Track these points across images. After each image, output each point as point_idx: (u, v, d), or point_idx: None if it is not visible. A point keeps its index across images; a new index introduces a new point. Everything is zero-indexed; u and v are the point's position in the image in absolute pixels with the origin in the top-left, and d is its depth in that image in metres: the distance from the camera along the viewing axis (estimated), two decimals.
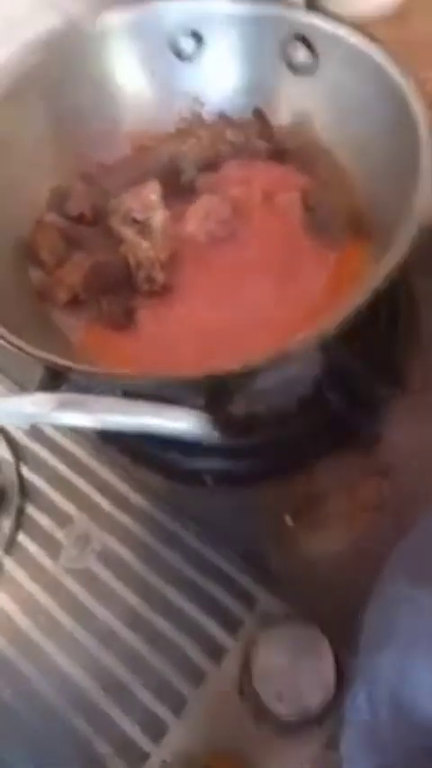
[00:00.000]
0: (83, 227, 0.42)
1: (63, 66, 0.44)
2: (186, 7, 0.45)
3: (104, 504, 0.45)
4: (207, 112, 0.47)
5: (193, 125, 0.46)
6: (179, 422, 0.27)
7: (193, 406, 0.29)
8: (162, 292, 0.40)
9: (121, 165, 0.45)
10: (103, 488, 0.46)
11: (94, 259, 0.40)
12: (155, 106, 0.47)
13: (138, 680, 0.39)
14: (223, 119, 0.46)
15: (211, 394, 0.30)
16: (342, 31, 0.42)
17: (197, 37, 0.46)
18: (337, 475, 0.44)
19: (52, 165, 0.44)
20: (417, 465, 0.44)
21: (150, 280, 0.39)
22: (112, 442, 0.47)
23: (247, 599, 0.41)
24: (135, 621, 0.41)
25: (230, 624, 0.40)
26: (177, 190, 0.43)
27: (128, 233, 0.40)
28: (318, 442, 0.45)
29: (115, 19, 0.44)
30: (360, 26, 0.42)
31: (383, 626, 0.32)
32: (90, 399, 0.26)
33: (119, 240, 0.41)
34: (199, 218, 0.40)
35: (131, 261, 0.39)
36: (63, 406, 0.25)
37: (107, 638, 0.41)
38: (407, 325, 0.49)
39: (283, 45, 0.45)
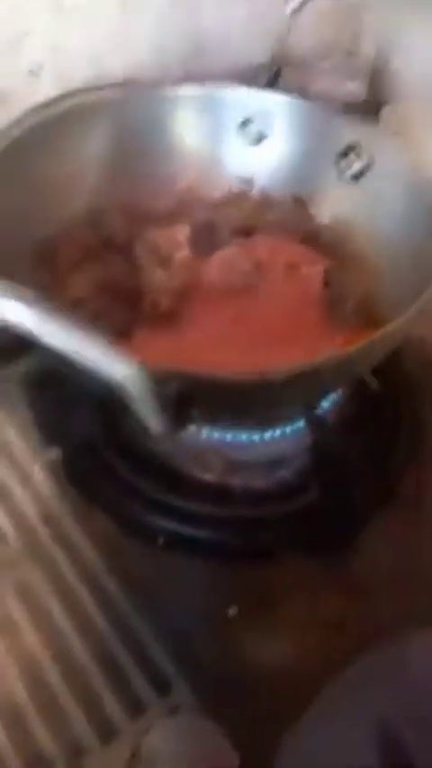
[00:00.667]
0: (107, 250, 0.43)
1: (138, 111, 0.47)
2: (260, 98, 0.48)
3: (43, 531, 0.41)
4: (255, 190, 0.50)
5: (238, 198, 0.48)
6: (115, 370, 0.24)
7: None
8: (164, 320, 0.39)
9: (162, 211, 0.46)
10: (49, 516, 0.42)
11: (106, 273, 0.40)
12: (209, 174, 0.49)
13: (11, 740, 0.33)
14: (267, 199, 0.48)
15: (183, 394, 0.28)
16: (390, 143, 0.45)
17: (264, 126, 0.49)
18: (300, 577, 0.40)
19: (100, 190, 0.46)
20: (391, 590, 0.40)
21: (155, 304, 0.39)
22: (77, 473, 0.45)
23: (160, 684, 0.36)
24: (29, 670, 0.36)
25: (133, 705, 0.35)
26: (207, 243, 0.44)
27: (148, 261, 0.40)
28: (288, 534, 0.42)
29: (196, 91, 0.48)
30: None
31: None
32: (30, 297, 0.24)
33: (137, 266, 0.41)
34: (221, 265, 0.41)
35: (143, 283, 0.39)
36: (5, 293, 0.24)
37: None
38: (409, 438, 0.47)
39: (339, 152, 0.47)
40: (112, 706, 0.35)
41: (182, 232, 0.42)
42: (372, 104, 0.49)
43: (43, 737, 0.34)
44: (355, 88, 0.54)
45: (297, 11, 0.47)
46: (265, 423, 0.41)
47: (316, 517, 0.41)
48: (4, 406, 0.48)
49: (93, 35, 0.55)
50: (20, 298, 0.25)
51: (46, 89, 0.52)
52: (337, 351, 0.31)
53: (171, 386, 0.28)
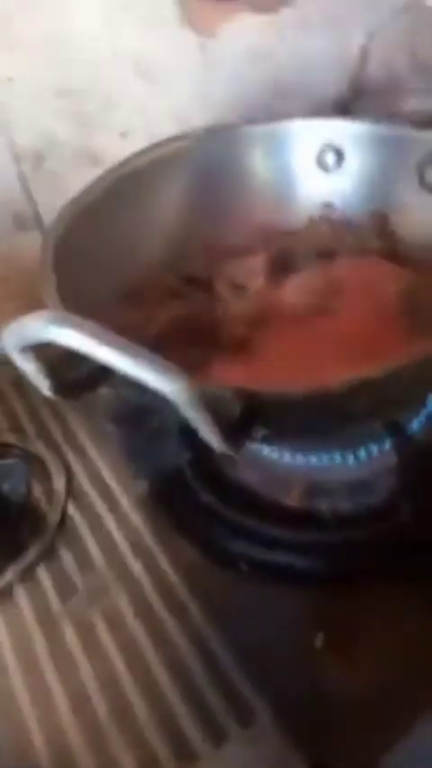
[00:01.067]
0: (189, 287, 0.44)
1: (213, 153, 0.49)
2: (332, 126, 0.49)
3: (132, 560, 0.43)
4: (335, 214, 0.49)
5: (317, 224, 0.48)
6: (162, 384, 0.25)
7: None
8: (241, 349, 0.40)
9: (242, 246, 0.47)
10: (137, 547, 0.43)
11: (187, 309, 0.41)
12: (287, 204, 0.50)
13: (88, 755, 0.34)
14: (346, 221, 0.48)
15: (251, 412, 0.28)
16: None
17: (339, 153, 0.49)
18: (389, 605, 0.38)
19: (181, 232, 0.48)
20: None
21: (231, 334, 0.40)
22: (164, 503, 0.46)
23: (243, 713, 0.35)
24: (111, 692, 0.37)
25: (215, 734, 0.34)
26: (284, 270, 0.44)
27: (225, 292, 0.41)
28: (375, 559, 0.40)
29: (266, 128, 0.50)
30: None
31: None
32: (87, 324, 0.26)
33: (217, 300, 0.42)
34: (296, 288, 0.41)
35: (221, 315, 0.40)
36: (57, 321, 0.25)
37: (79, 700, 0.37)
38: None
39: (420, 165, 0.46)
40: (193, 734, 0.34)
41: (258, 261, 0.43)
42: None
43: (125, 762, 0.34)
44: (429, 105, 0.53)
45: (369, 41, 0.47)
46: (342, 440, 0.40)
47: (405, 542, 0.39)
48: (96, 440, 0.50)
49: (177, 95, 0.59)
50: (77, 325, 0.27)
51: (135, 148, 0.56)
52: (401, 360, 0.29)
53: (233, 403, 0.28)
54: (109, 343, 0.26)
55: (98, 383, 0.35)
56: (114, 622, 0.40)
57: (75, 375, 0.31)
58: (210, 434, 0.28)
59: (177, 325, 0.41)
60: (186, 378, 0.25)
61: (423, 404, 0.43)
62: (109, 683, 0.37)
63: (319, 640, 0.37)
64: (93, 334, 0.26)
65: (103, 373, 0.35)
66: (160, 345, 0.41)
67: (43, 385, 0.31)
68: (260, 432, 0.28)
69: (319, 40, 0.63)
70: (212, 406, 0.26)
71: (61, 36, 0.53)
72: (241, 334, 0.40)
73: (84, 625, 0.40)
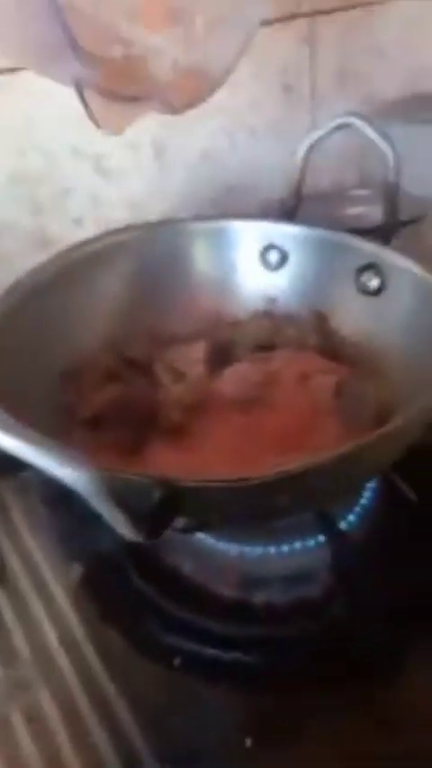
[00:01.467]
0: (129, 370, 0.45)
1: (159, 245, 0.51)
2: (276, 228, 0.52)
3: (59, 656, 0.41)
4: (276, 309, 0.52)
5: (259, 317, 0.50)
6: (65, 473, 0.25)
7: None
8: (176, 435, 0.40)
9: (184, 335, 0.49)
10: (65, 638, 0.42)
11: (125, 392, 0.42)
12: (231, 298, 0.52)
13: None
14: (288, 317, 0.50)
15: (167, 499, 0.28)
16: (409, 264, 0.46)
17: (282, 253, 0.52)
18: (325, 706, 0.37)
19: (125, 317, 0.49)
20: (425, 727, 0.36)
21: (167, 418, 0.40)
22: (96, 589, 0.44)
23: None
24: None
25: None
26: (224, 359, 0.45)
27: (164, 377, 0.42)
28: (311, 656, 0.39)
29: (213, 225, 0.52)
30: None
31: None
32: None
33: (155, 385, 0.43)
34: (234, 377, 0.42)
35: (159, 400, 0.41)
36: None
37: None
38: None
39: (357, 271, 0.49)
40: None
41: (198, 349, 0.44)
42: (388, 225, 0.51)
43: None
44: (372, 213, 0.57)
45: (309, 151, 0.51)
46: (276, 532, 0.40)
47: (338, 638, 0.39)
48: (29, 521, 0.49)
49: (130, 188, 0.62)
50: None
51: (88, 235, 0.58)
52: (323, 454, 0.30)
53: (151, 491, 0.28)
54: (14, 433, 0.26)
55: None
56: (34, 720, 0.38)
57: None
58: (119, 524, 0.27)
59: (113, 407, 0.41)
60: (91, 468, 0.25)
61: (355, 497, 0.45)
62: None
63: (249, 741, 0.36)
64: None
65: None
66: (95, 427, 0.42)
67: None
68: (181, 521, 0.28)
69: (265, 148, 0.68)
70: (127, 494, 0.26)
71: (20, 125, 0.56)
72: (178, 419, 0.40)
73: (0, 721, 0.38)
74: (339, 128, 0.48)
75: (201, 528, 0.30)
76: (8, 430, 0.25)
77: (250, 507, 0.30)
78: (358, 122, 0.46)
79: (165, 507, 0.28)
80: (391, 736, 0.35)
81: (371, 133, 0.45)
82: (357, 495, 0.44)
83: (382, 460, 0.34)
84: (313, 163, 0.58)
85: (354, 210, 0.66)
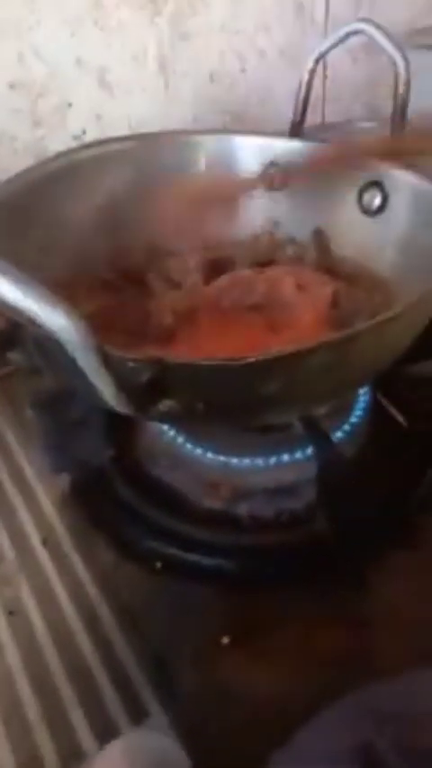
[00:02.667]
0: (123, 280, 0.44)
1: (163, 157, 0.49)
2: (280, 145, 0.50)
3: (41, 552, 0.41)
4: (279, 232, 0.50)
5: (260, 237, 0.49)
6: (52, 319, 0.24)
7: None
8: (170, 341, 0.39)
9: (184, 249, 0.48)
10: (50, 538, 0.42)
11: (116, 300, 0.41)
12: (233, 217, 0.51)
13: None
14: (289, 237, 0.49)
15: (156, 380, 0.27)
16: (414, 180, 0.45)
17: (285, 171, 0.51)
18: (300, 609, 0.37)
19: (124, 229, 0.47)
20: (398, 627, 0.36)
21: (160, 323, 0.39)
22: (83, 498, 0.44)
23: (137, 710, 0.33)
24: (3, 687, 0.34)
25: (106, 731, 0.32)
26: (221, 271, 0.44)
27: (158, 285, 0.41)
28: (289, 564, 0.39)
29: (215, 139, 0.51)
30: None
31: None
32: None
33: (149, 293, 0.42)
34: (229, 283, 0.41)
35: (152, 307, 0.40)
36: None
37: None
38: None
39: (360, 189, 0.48)
40: (83, 731, 0.32)
41: (195, 260, 0.43)
42: None
43: (7, 760, 0.32)
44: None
45: (318, 63, 0.50)
46: (265, 443, 0.40)
47: (320, 550, 0.39)
48: (17, 427, 0.49)
49: (134, 106, 0.61)
50: None
51: None
52: (320, 340, 0.29)
53: (141, 370, 0.28)
54: (18, 282, 0.25)
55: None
56: (15, 614, 0.38)
57: None
58: (105, 386, 0.26)
59: (104, 315, 0.40)
60: (79, 318, 0.25)
61: (344, 404, 0.44)
62: (3, 679, 0.35)
63: (226, 639, 0.36)
64: None
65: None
66: None
67: None
68: (167, 402, 0.28)
69: (277, 73, 0.66)
70: (119, 368, 0.26)
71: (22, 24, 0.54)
72: (169, 324, 0.39)
73: None
74: (350, 35, 0.46)
75: (190, 413, 0.29)
76: (14, 279, 0.24)
77: (237, 392, 0.30)
78: (369, 29, 0.44)
79: (153, 386, 0.27)
80: (362, 637, 0.36)
81: (382, 40, 0.44)
82: (347, 402, 0.44)
83: (372, 357, 0.33)
84: (321, 93, 0.57)
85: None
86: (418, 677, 0.29)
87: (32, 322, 0.24)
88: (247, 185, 0.45)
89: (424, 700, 0.28)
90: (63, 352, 0.26)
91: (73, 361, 0.26)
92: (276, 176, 0.50)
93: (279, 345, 0.33)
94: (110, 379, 0.26)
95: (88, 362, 0.25)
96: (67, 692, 0.34)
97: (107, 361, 0.25)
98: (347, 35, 0.46)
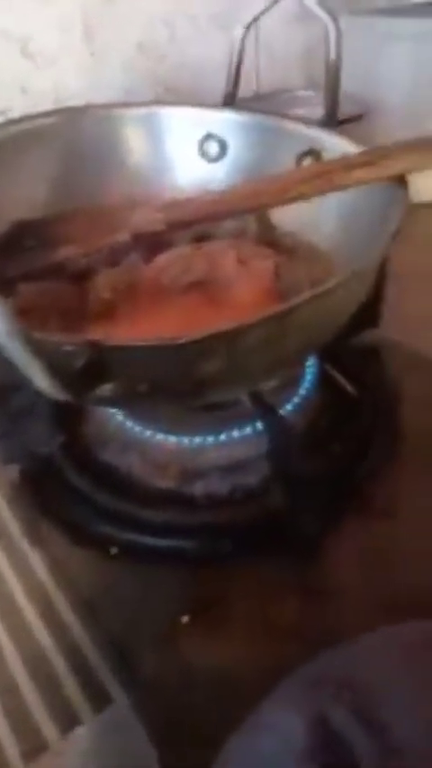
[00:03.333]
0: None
1: (92, 130, 0.48)
2: (215, 115, 0.50)
3: None
4: None
5: None
6: None
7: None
8: (110, 319, 0.38)
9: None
10: (1, 528, 0.41)
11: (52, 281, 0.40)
12: (168, 189, 0.49)
13: None
14: None
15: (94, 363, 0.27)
16: (351, 148, 0.45)
17: (222, 143, 0.50)
18: (257, 582, 0.37)
19: (53, 206, 0.46)
20: (355, 593, 0.37)
21: (97, 299, 0.38)
22: (33, 486, 0.43)
23: (98, 698, 0.33)
24: None
25: (67, 719, 0.32)
26: (158, 248, 0.43)
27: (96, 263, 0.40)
28: (244, 538, 0.39)
29: (147, 111, 0.49)
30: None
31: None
32: None
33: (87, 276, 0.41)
34: (168, 260, 0.40)
35: (90, 285, 0.39)
36: None
37: None
38: (384, 445, 0.44)
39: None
40: (44, 722, 0.32)
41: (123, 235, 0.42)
42: (329, 113, 0.49)
43: None
44: (314, 114, 0.55)
45: (249, 30, 0.49)
46: (215, 421, 0.40)
47: (275, 523, 0.39)
48: None
49: (60, 78, 0.58)
50: None
51: None
52: (259, 315, 0.29)
53: (77, 354, 0.27)
54: None
55: None
56: None
57: None
58: (37, 373, 0.26)
59: (40, 297, 0.39)
60: (5, 304, 0.24)
61: (290, 376, 0.44)
62: None
63: (185, 618, 0.36)
64: None
65: None
66: (23, 316, 0.40)
67: None
68: (107, 387, 0.27)
69: (208, 41, 0.65)
70: (54, 354, 0.25)
71: None
72: (108, 300, 0.38)
73: None
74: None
75: (131, 396, 0.28)
76: None
77: (178, 372, 0.29)
78: None
79: (92, 368, 0.27)
80: (318, 606, 0.36)
81: (312, 4, 0.43)
82: (294, 375, 0.44)
83: (313, 329, 0.33)
84: (257, 62, 0.55)
85: (297, 111, 0.64)
86: (372, 641, 0.30)
87: None
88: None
89: (378, 663, 0.29)
90: None
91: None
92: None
93: (221, 321, 0.33)
94: (41, 366, 0.25)
95: (15, 349, 0.24)
96: (25, 683, 0.34)
97: (38, 347, 0.24)
98: None
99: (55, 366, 0.25)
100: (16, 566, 0.39)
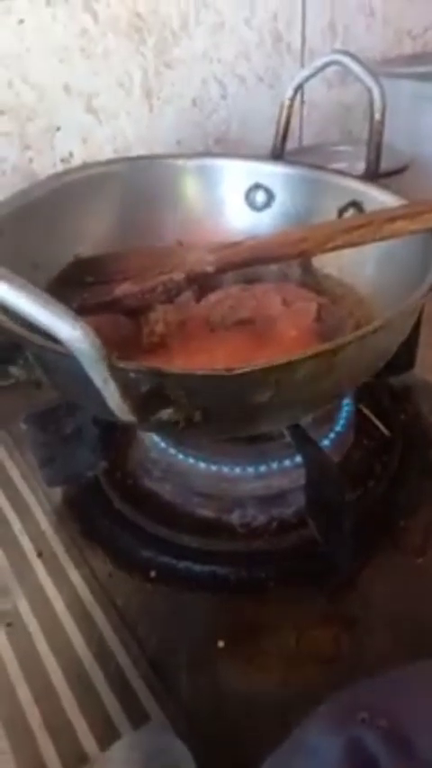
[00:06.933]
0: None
1: (147, 180, 0.51)
2: (262, 167, 0.53)
3: (37, 564, 0.42)
4: None
5: None
6: (62, 329, 0.25)
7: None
8: (160, 354, 0.41)
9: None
10: (44, 550, 0.43)
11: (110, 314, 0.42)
12: (218, 236, 0.52)
13: None
14: None
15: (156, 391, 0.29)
16: (392, 201, 0.47)
17: (268, 192, 0.53)
18: (292, 611, 0.39)
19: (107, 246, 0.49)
20: (386, 625, 0.38)
21: (150, 333, 0.41)
22: (77, 510, 0.45)
23: (138, 715, 0.34)
24: (5, 697, 0.35)
25: (108, 735, 0.33)
26: (209, 289, 0.46)
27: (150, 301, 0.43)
28: (280, 567, 0.41)
29: (198, 162, 0.53)
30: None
31: None
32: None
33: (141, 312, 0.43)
34: (217, 299, 0.43)
35: (144, 319, 0.42)
36: None
37: None
38: (417, 483, 0.46)
39: (340, 210, 0.50)
40: (85, 736, 0.33)
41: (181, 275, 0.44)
42: (371, 168, 0.52)
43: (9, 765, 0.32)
44: (354, 169, 0.58)
45: (297, 91, 0.52)
46: (255, 452, 0.42)
47: (310, 554, 0.40)
48: (9, 447, 0.50)
49: (120, 131, 0.63)
50: None
51: None
52: (309, 351, 0.31)
53: (141, 381, 0.29)
54: (17, 286, 0.26)
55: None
56: (13, 625, 0.39)
57: None
58: (112, 396, 0.28)
59: (100, 326, 0.42)
60: (88, 328, 0.26)
61: (331, 412, 0.46)
62: (4, 689, 0.36)
63: (221, 643, 0.37)
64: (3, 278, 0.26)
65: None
66: None
67: None
68: (167, 411, 0.29)
69: (257, 97, 0.69)
70: (120, 381, 0.27)
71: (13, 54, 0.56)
72: (161, 334, 0.40)
73: None
74: (327, 65, 0.48)
75: (186, 423, 0.30)
76: (13, 283, 0.25)
77: (232, 401, 0.31)
78: (346, 60, 0.47)
79: (154, 393, 0.29)
80: (352, 636, 0.37)
81: (358, 70, 0.46)
82: (330, 413, 0.46)
83: (356, 367, 0.35)
84: (300, 117, 0.59)
85: (339, 165, 0.67)
86: (406, 672, 0.31)
87: (36, 335, 0.26)
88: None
89: (412, 694, 0.30)
90: (69, 364, 0.27)
91: (79, 372, 0.27)
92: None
93: (266, 358, 0.35)
94: (116, 389, 0.27)
95: (98, 373, 0.26)
96: (67, 699, 0.35)
97: (116, 372, 0.27)
98: (325, 65, 0.49)
99: (124, 390, 0.27)
100: (60, 587, 0.40)
